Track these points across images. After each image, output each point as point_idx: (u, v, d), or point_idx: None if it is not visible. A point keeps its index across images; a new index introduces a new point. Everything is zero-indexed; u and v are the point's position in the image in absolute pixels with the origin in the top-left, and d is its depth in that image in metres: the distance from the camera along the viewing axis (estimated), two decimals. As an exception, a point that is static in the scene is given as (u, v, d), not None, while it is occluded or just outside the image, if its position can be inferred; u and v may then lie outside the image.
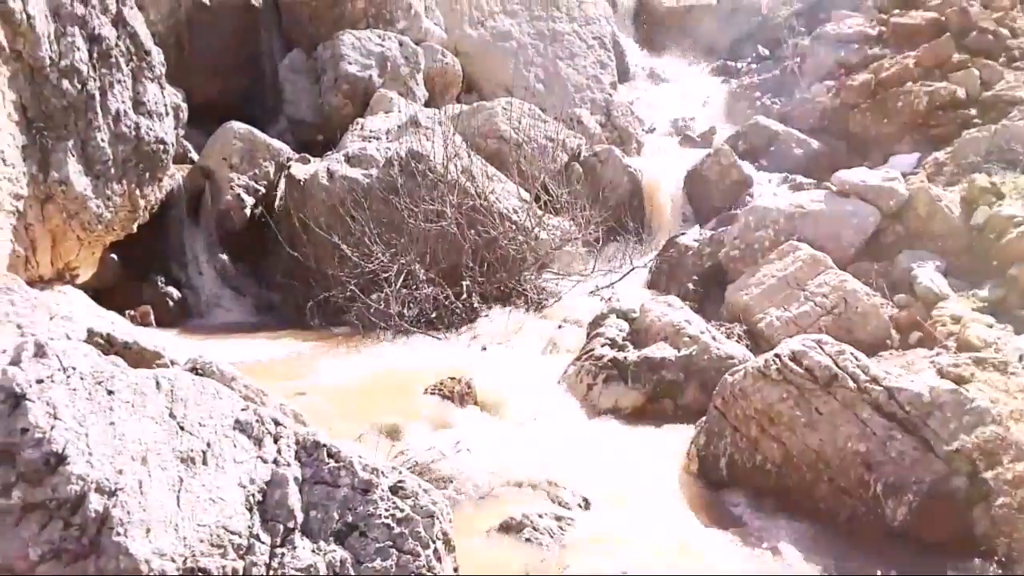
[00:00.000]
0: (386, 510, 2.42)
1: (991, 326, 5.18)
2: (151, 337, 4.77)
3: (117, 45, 6.09)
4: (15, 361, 2.38)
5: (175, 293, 7.72)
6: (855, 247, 6.34)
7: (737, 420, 3.93)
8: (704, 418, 4.21)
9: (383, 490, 2.45)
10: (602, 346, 5.37)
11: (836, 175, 6.86)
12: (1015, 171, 6.60)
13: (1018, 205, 6.02)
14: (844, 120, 9.36)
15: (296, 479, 2.41)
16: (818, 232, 6.37)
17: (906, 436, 3.55)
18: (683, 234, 7.76)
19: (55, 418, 2.20)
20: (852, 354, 3.86)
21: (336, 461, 2.47)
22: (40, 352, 2.38)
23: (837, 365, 3.79)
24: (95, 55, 5.92)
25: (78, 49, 5.78)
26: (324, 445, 2.49)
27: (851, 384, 3.72)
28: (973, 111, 8.21)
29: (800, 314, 5.63)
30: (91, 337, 4.00)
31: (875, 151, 8.75)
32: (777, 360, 3.89)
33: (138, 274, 7.55)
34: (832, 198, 6.66)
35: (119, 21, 6.14)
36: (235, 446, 2.40)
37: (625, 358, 5.16)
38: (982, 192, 6.26)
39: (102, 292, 6.71)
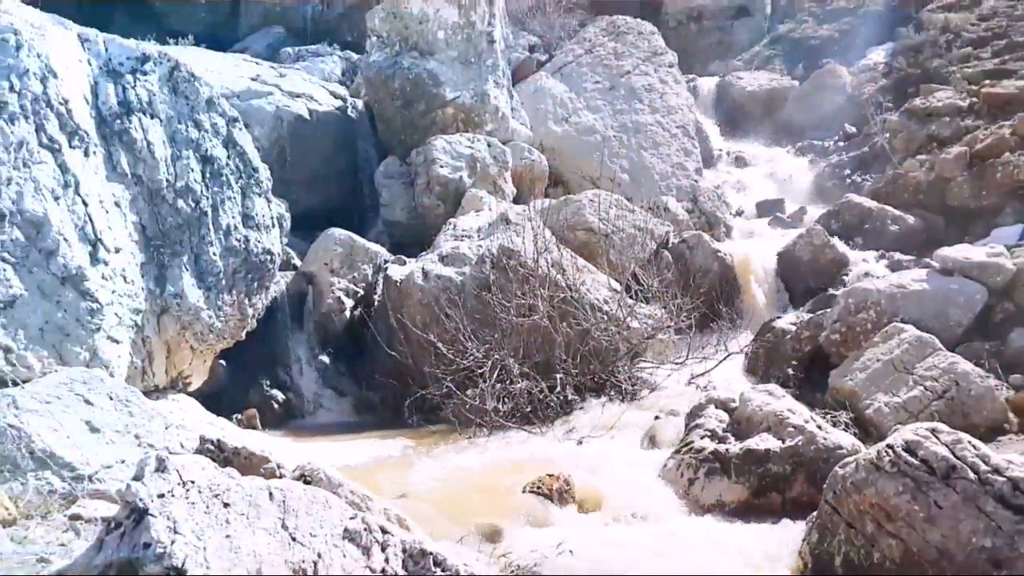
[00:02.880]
0: (492, 620, 2.41)
1: (1118, 406, 4.88)
2: (259, 441, 4.94)
3: (227, 164, 6.52)
4: (138, 476, 2.51)
5: (279, 395, 7.96)
6: (963, 327, 6.10)
7: (851, 516, 3.76)
8: (815, 513, 4.04)
9: (489, 599, 2.45)
10: (702, 438, 5.25)
11: (938, 252, 6.66)
12: None
13: None
14: (940, 194, 9.15)
15: (403, 589, 2.44)
16: (923, 312, 6.16)
17: (1036, 530, 3.34)
18: (779, 318, 7.60)
19: (175, 532, 2.30)
20: (970, 443, 3.67)
21: (443, 570, 2.49)
22: (161, 467, 2.51)
23: (955, 455, 3.61)
24: (207, 175, 6.35)
25: (192, 170, 6.22)
26: (430, 553, 2.52)
27: (971, 475, 3.53)
28: (1076, 179, 7.95)
29: (910, 399, 5.41)
30: (203, 444, 4.17)
31: (975, 224, 8.51)
32: (890, 451, 3.73)
33: (245, 378, 7.82)
34: (935, 276, 6.45)
35: (229, 142, 6.59)
36: (344, 556, 2.45)
37: (727, 450, 5.02)
38: (1096, 263, 6.00)
39: (211, 397, 6.99)
